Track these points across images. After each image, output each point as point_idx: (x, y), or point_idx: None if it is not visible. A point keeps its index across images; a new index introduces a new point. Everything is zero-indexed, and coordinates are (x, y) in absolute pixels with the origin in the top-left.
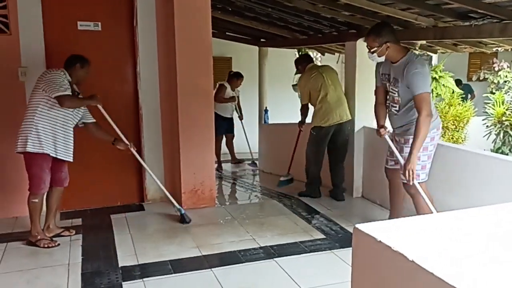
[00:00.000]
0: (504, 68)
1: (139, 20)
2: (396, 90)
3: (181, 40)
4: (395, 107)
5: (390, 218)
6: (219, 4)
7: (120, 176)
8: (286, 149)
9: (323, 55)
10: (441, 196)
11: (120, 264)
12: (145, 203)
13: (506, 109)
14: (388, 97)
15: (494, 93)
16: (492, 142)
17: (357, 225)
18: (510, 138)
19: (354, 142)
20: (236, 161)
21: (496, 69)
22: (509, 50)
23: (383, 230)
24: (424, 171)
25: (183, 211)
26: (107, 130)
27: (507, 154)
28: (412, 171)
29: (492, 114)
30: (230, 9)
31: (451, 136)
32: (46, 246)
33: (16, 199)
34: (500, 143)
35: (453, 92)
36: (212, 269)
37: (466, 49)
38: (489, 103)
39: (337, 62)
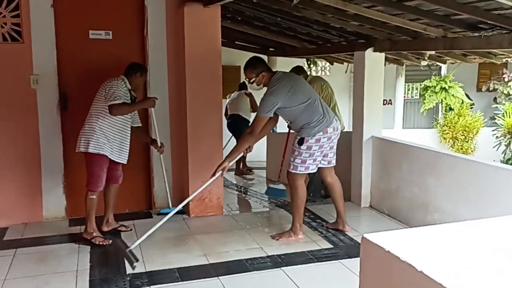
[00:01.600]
0: None
1: (149, 29)
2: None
3: (191, 49)
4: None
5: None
6: (228, 14)
7: (128, 184)
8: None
9: (332, 64)
10: (452, 207)
11: (128, 272)
12: (153, 210)
13: None
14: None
15: (501, 103)
16: (502, 153)
17: (365, 235)
18: None
19: (362, 151)
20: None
21: (506, 79)
22: None
23: (391, 240)
24: (304, 165)
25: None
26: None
27: None
28: (223, 168)
29: (502, 124)
30: (239, 18)
31: (460, 147)
32: (100, 243)
33: (24, 205)
34: (510, 154)
35: (462, 102)
36: (219, 277)
37: (475, 59)
38: (498, 113)
39: (345, 72)
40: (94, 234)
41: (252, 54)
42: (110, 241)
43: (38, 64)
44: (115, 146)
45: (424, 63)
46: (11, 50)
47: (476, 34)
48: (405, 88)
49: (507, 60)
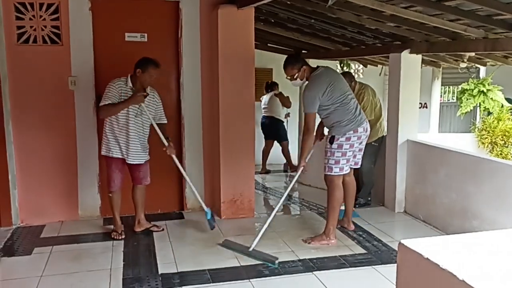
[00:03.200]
0: None
1: (183, 32)
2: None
3: (224, 52)
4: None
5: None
6: (261, 16)
7: (160, 185)
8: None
9: (366, 67)
10: (492, 215)
11: (160, 271)
12: (185, 211)
13: None
14: None
15: None
16: None
17: (403, 241)
18: None
19: (397, 155)
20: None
21: None
22: None
23: (430, 246)
24: (337, 165)
25: (209, 217)
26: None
27: None
28: (298, 168)
29: None
30: (272, 20)
31: (499, 152)
32: (113, 237)
33: (61, 204)
34: None
35: (502, 106)
36: (251, 280)
37: None
38: None
39: (380, 74)
40: (113, 227)
41: (284, 57)
42: (123, 236)
43: (76, 66)
44: (123, 147)
45: (463, 65)
46: (50, 52)
47: None
48: (441, 91)
49: None
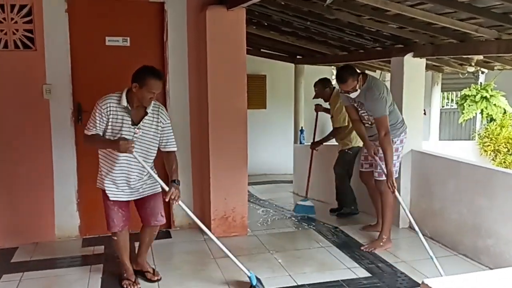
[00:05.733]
0: None
1: (169, 35)
2: (364, 111)
3: (214, 56)
4: (367, 123)
5: (378, 220)
6: (254, 18)
7: None
8: (322, 171)
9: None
10: (508, 232)
11: None
12: (172, 229)
13: None
14: (359, 114)
15: None
16: None
17: (426, 281)
18: None
19: (401, 167)
20: None
21: None
22: None
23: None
24: (394, 168)
25: (254, 282)
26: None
27: None
28: (393, 182)
29: None
30: (265, 23)
31: (503, 160)
32: (125, 287)
33: (35, 224)
34: None
35: (505, 112)
36: None
37: None
38: None
39: None
40: (125, 274)
41: (278, 63)
42: (139, 286)
43: (51, 73)
44: (118, 180)
45: (470, 69)
46: (23, 58)
47: None
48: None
49: None
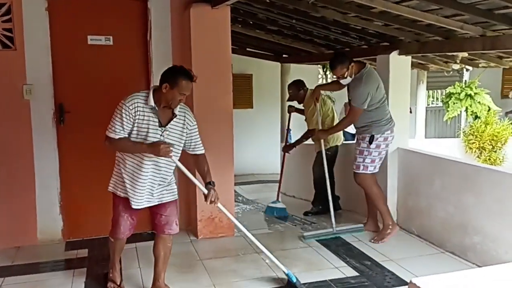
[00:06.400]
0: None
1: (153, 34)
2: (350, 98)
3: (198, 55)
4: None
5: (369, 218)
6: (239, 17)
7: None
8: (309, 171)
9: None
10: (495, 229)
11: None
12: None
13: None
14: (348, 103)
15: None
16: None
17: (414, 280)
18: None
19: (387, 165)
20: None
21: None
22: None
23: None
24: (373, 164)
25: (293, 279)
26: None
27: None
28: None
29: None
30: (251, 22)
31: (488, 157)
32: None
33: (17, 227)
34: None
35: (489, 109)
36: None
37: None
38: None
39: None
40: (110, 275)
41: (264, 62)
42: None
43: (31, 73)
44: (142, 187)
45: (455, 66)
46: (2, 58)
47: None
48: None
49: None
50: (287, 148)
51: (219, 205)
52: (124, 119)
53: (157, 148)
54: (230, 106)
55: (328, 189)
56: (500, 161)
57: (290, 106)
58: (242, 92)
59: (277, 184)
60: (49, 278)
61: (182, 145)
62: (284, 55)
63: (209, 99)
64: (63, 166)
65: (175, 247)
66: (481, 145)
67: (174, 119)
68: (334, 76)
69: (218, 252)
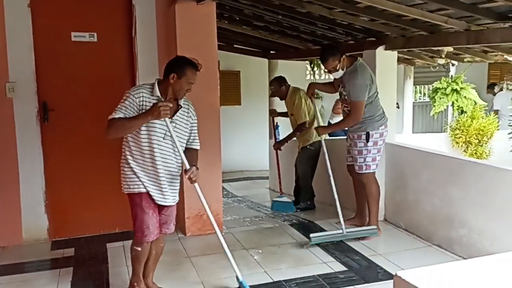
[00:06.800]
0: None
1: (138, 30)
2: (345, 92)
3: (184, 52)
4: (347, 107)
5: (357, 213)
6: (225, 13)
7: (118, 200)
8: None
9: None
10: (481, 222)
11: None
12: None
13: None
14: (341, 98)
15: None
16: None
17: (399, 273)
18: None
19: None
20: None
21: None
22: None
23: (433, 280)
24: (375, 162)
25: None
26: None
27: None
28: (319, 132)
29: None
30: (237, 18)
31: (474, 151)
32: None
33: (1, 227)
34: None
35: (475, 104)
36: None
37: (496, 56)
38: None
39: None
40: (133, 284)
41: (252, 58)
42: None
43: (14, 71)
44: (150, 181)
45: (441, 61)
46: None
47: (508, 24)
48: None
49: None
50: (278, 145)
51: (196, 185)
52: (128, 104)
53: (156, 110)
54: (217, 103)
55: (333, 186)
56: (486, 155)
57: (271, 110)
58: (230, 89)
59: (266, 180)
60: (35, 278)
61: (187, 136)
62: (271, 52)
63: (195, 95)
64: (48, 164)
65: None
66: (468, 139)
67: (180, 111)
68: (325, 70)
69: (206, 249)
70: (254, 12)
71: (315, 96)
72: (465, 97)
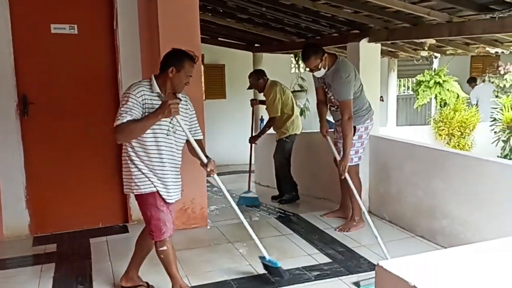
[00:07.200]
0: (511, 71)
1: (119, 22)
2: (331, 93)
3: (166, 43)
4: (334, 106)
5: (341, 206)
6: (209, 5)
7: (101, 194)
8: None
9: None
10: (463, 213)
11: None
12: (129, 224)
13: None
14: (327, 97)
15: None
16: (501, 149)
17: (381, 262)
18: None
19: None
20: None
21: (502, 72)
22: None
23: (413, 268)
24: (357, 155)
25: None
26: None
27: None
28: (345, 166)
29: (500, 119)
30: (221, 10)
31: (457, 143)
32: None
33: None
34: (508, 149)
35: (458, 97)
36: None
37: (478, 48)
38: (496, 108)
39: None
40: None
41: (236, 52)
42: None
43: None
44: (158, 180)
45: (423, 53)
46: None
47: (490, 16)
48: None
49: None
50: (253, 139)
51: (216, 176)
52: (133, 107)
53: (167, 108)
54: (201, 96)
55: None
56: (469, 147)
57: (252, 100)
58: (215, 82)
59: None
60: (16, 274)
61: (188, 126)
62: (256, 45)
63: None
64: (28, 159)
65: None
66: (451, 131)
67: (180, 104)
68: (307, 69)
69: (191, 243)
70: (238, 4)
71: (301, 89)
72: (448, 89)
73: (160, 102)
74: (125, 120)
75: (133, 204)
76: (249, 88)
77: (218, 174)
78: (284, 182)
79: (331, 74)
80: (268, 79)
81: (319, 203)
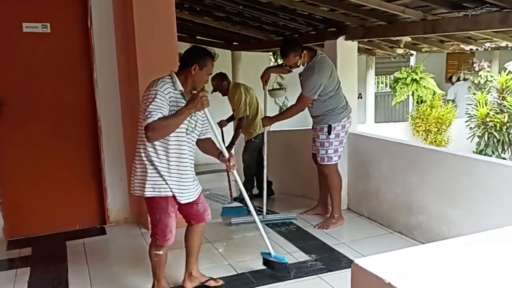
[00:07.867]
0: (485, 68)
1: (94, 20)
2: (301, 86)
3: (143, 43)
4: (310, 102)
5: (319, 203)
6: (186, 3)
7: (77, 195)
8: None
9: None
10: (438, 208)
11: None
12: (107, 225)
13: (490, 110)
14: None
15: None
16: (477, 144)
17: (357, 260)
18: (494, 140)
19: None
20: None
21: (477, 69)
22: (499, 47)
23: (388, 265)
24: (337, 154)
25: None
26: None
27: (490, 156)
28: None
29: (475, 115)
30: (198, 8)
31: (433, 139)
32: None
33: None
34: (483, 145)
35: (434, 93)
36: None
37: (453, 45)
38: (471, 104)
39: None
40: None
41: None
42: None
43: None
44: (175, 182)
45: (399, 51)
46: None
47: (462, 13)
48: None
49: (489, 46)
50: (228, 148)
51: (235, 172)
52: (162, 105)
53: (199, 101)
54: None
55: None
56: (446, 143)
57: (221, 121)
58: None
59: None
60: None
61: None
62: (234, 43)
63: None
64: (1, 161)
65: (126, 240)
66: (427, 128)
67: None
68: (286, 65)
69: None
70: (214, 2)
71: (279, 87)
72: (424, 86)
73: (182, 100)
74: (156, 118)
75: (111, 205)
76: (213, 91)
77: (198, 173)
78: (248, 182)
79: (306, 70)
80: (230, 81)
81: (298, 201)
